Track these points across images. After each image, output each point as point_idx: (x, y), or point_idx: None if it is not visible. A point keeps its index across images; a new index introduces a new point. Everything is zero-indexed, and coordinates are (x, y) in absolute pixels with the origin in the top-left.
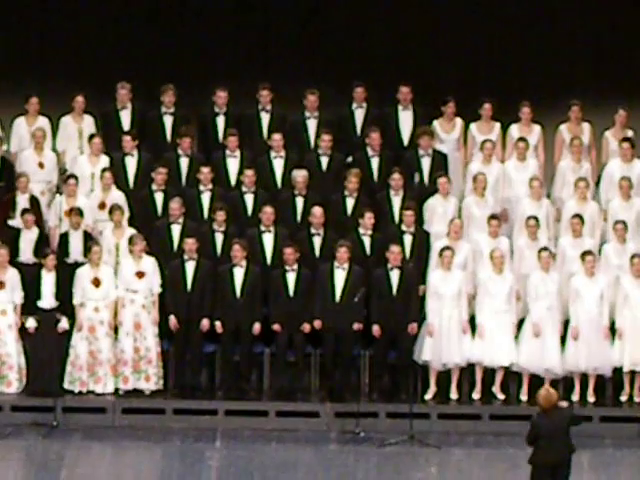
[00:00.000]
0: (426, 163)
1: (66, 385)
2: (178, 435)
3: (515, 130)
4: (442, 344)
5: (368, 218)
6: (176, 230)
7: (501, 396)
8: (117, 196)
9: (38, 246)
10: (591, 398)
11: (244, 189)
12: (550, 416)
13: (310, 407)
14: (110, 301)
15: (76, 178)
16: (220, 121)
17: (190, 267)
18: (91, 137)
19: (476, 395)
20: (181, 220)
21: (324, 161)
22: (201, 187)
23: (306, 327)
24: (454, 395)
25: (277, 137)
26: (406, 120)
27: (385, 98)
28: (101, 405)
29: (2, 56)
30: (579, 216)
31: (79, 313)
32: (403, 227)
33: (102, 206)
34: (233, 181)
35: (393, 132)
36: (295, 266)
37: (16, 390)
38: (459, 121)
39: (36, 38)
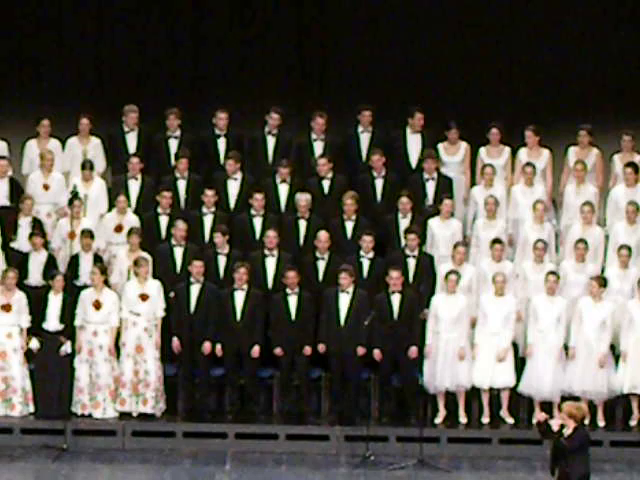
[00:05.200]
0: (431, 186)
1: (73, 408)
2: (188, 458)
3: (524, 154)
4: (437, 367)
5: (365, 241)
6: (179, 253)
7: (510, 420)
8: (133, 219)
9: (47, 268)
10: (601, 422)
11: (253, 212)
12: (584, 428)
13: (320, 431)
14: (111, 326)
15: (80, 200)
16: (221, 143)
17: (195, 290)
18: (84, 162)
19: (485, 419)
20: (183, 243)
21: (326, 185)
22: (204, 210)
23: (307, 350)
24: (463, 419)
25: (284, 171)
26: (414, 143)
27: (391, 121)
28: (111, 428)
29: (14, 79)
30: (583, 241)
31: (79, 335)
32: (407, 251)
33: (118, 229)
34: (232, 204)
35: (400, 155)
36: (296, 290)
37: (20, 414)
38: (463, 144)
39: (46, 61)
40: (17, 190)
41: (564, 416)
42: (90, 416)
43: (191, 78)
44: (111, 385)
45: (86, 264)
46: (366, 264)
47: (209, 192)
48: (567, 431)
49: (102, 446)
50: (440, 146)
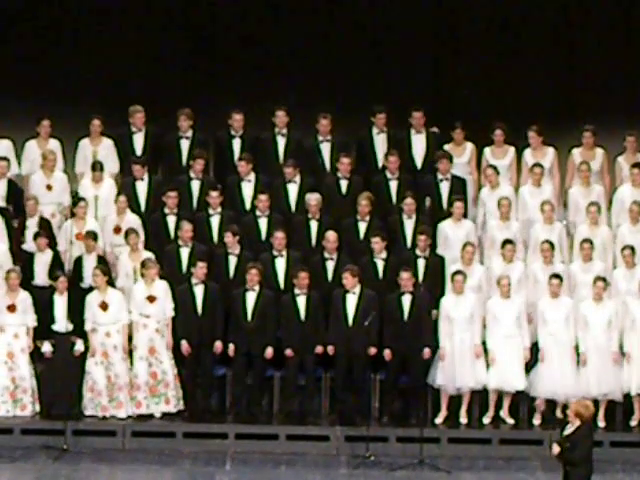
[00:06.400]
0: (445, 187)
1: (88, 411)
2: (188, 458)
3: (529, 155)
4: (455, 368)
5: (375, 242)
6: (185, 253)
7: (510, 420)
8: (132, 219)
9: (52, 269)
10: (601, 423)
11: (258, 213)
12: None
13: (320, 431)
14: (121, 325)
15: (85, 201)
16: (236, 144)
17: (199, 291)
18: (94, 164)
19: (487, 419)
20: (190, 244)
21: (343, 184)
22: (210, 211)
23: (319, 349)
24: (464, 419)
25: (289, 170)
26: (419, 144)
27: (398, 122)
28: (111, 428)
29: (16, 78)
30: (589, 241)
31: (91, 339)
32: (417, 251)
33: (117, 230)
34: (248, 205)
35: (406, 156)
36: (305, 290)
37: (30, 413)
38: (469, 145)
39: (51, 60)
40: (15, 191)
41: (571, 415)
42: (112, 417)
43: (203, 79)
44: (128, 384)
45: (89, 265)
46: (380, 265)
47: (213, 193)
48: (569, 429)
49: (103, 446)
50: (446, 147)
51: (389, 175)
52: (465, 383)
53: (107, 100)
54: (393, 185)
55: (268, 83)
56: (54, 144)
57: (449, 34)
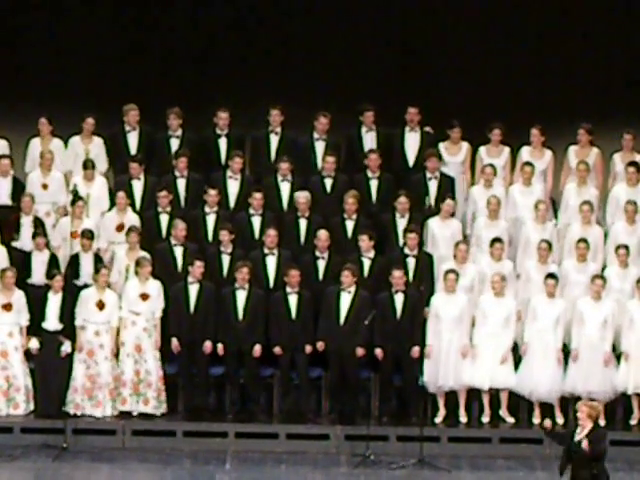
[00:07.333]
0: (433, 186)
1: (66, 408)
2: (188, 457)
3: (526, 153)
4: (439, 367)
5: (362, 240)
6: (179, 252)
7: (510, 419)
8: (133, 218)
9: (50, 268)
10: (601, 422)
11: (252, 211)
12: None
13: (320, 430)
14: (112, 326)
15: (83, 200)
16: (222, 143)
17: (193, 289)
18: (86, 162)
19: (485, 418)
20: (183, 242)
21: (328, 183)
22: (207, 209)
23: (308, 348)
24: (463, 418)
25: (285, 165)
26: (413, 142)
27: (392, 120)
28: (111, 427)
29: (15, 78)
30: (585, 240)
31: (80, 335)
32: (406, 250)
33: (119, 228)
34: (232, 203)
35: (399, 153)
36: (297, 288)
37: (24, 412)
38: (465, 144)
39: (48, 59)
40: (19, 189)
41: (583, 417)
42: (83, 416)
43: (193, 77)
44: (111, 384)
45: (86, 264)
46: (367, 263)
47: (212, 191)
48: (582, 432)
49: (102, 445)
50: (441, 145)
51: (370, 174)
52: (446, 382)
53: (101, 99)
54: (373, 184)
55: (260, 82)
56: (57, 143)
57: (447, 33)
